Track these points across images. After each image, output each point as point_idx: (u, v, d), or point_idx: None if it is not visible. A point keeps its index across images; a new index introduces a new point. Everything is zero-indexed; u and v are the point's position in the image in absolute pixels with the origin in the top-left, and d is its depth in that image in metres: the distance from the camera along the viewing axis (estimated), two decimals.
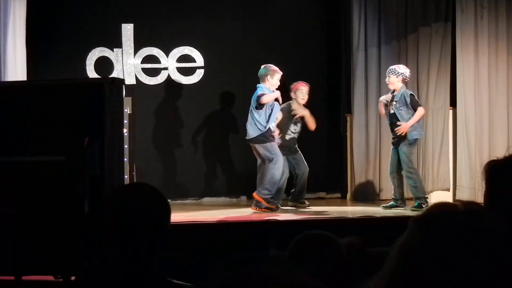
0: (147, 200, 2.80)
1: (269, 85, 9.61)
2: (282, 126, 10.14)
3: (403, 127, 9.67)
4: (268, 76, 9.62)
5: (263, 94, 9.48)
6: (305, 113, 10.17)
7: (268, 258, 3.47)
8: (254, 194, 9.58)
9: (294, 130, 10.23)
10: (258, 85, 9.69)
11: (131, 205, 2.77)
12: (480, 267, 1.40)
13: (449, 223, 1.45)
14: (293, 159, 10.19)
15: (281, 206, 9.91)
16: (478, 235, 1.42)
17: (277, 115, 9.78)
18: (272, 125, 9.66)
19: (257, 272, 1.31)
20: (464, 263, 1.40)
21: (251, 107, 9.67)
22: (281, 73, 9.72)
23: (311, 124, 10.20)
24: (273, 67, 9.71)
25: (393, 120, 9.79)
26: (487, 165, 1.88)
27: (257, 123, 9.58)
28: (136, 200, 2.79)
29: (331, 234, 3.42)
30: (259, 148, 9.64)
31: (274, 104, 9.62)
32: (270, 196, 9.53)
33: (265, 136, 9.60)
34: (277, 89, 9.69)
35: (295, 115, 10.17)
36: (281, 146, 10.07)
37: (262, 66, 9.75)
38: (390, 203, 9.89)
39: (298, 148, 10.26)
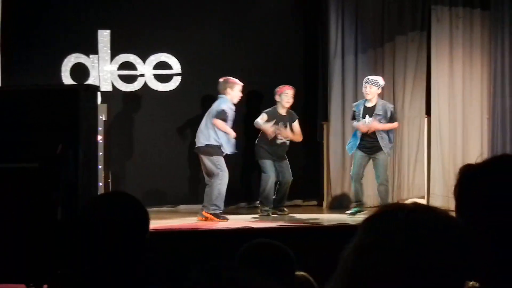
0: (126, 209, 2.79)
1: (231, 97, 9.72)
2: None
3: (374, 126, 9.77)
4: (228, 89, 9.72)
5: (225, 116, 9.60)
6: (288, 134, 10.22)
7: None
8: (204, 212, 9.58)
9: (278, 134, 10.25)
10: (220, 95, 9.79)
11: (110, 214, 2.76)
12: (426, 260, 1.43)
13: (397, 220, 1.49)
14: (279, 166, 10.24)
15: (271, 213, 10.04)
16: (422, 231, 1.46)
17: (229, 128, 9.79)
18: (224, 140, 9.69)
19: (228, 277, 1.31)
20: (412, 257, 1.44)
21: (208, 115, 9.76)
22: (241, 84, 9.83)
23: (297, 138, 10.33)
24: (232, 79, 9.83)
25: (379, 136, 9.90)
26: (462, 168, 1.89)
27: (210, 133, 9.61)
28: (115, 209, 2.78)
29: (279, 243, 3.42)
30: (205, 160, 9.67)
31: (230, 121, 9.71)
32: (219, 211, 9.55)
33: (214, 149, 9.62)
34: (238, 102, 9.91)
35: (281, 120, 10.22)
36: (268, 152, 10.11)
37: (220, 80, 9.83)
38: (355, 209, 9.97)
39: (286, 156, 10.29)
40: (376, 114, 9.91)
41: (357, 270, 1.47)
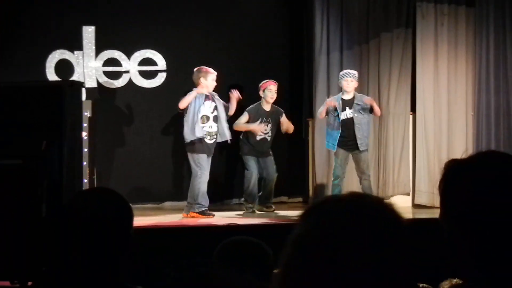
0: (110, 205, 2.78)
1: (204, 86, 9.61)
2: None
3: (378, 110, 9.85)
4: (202, 79, 9.61)
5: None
6: (254, 127, 10.18)
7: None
8: (191, 213, 9.55)
9: (264, 130, 10.22)
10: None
11: (94, 210, 2.75)
12: (361, 249, 1.44)
13: (331, 210, 1.50)
14: (263, 162, 10.21)
15: (256, 210, 10.03)
16: (357, 220, 1.47)
17: (200, 119, 9.68)
18: (204, 133, 9.61)
19: (207, 275, 1.32)
20: (346, 246, 1.44)
21: None
22: (215, 73, 9.73)
23: (289, 130, 10.39)
24: (205, 68, 9.73)
25: (349, 125, 9.89)
26: (447, 163, 1.89)
27: (187, 129, 9.58)
28: (98, 205, 2.77)
29: (258, 240, 3.42)
30: (188, 156, 9.65)
31: (200, 109, 9.59)
32: (204, 208, 9.52)
33: (193, 145, 9.59)
34: (214, 90, 9.76)
35: (265, 116, 10.19)
36: (251, 148, 10.09)
37: (194, 69, 9.76)
38: None
39: (270, 152, 10.26)
40: (356, 104, 9.95)
41: (292, 259, 1.48)
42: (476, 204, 1.77)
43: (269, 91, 10.17)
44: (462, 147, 10.83)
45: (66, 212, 2.82)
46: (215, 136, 9.73)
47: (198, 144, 9.58)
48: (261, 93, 10.25)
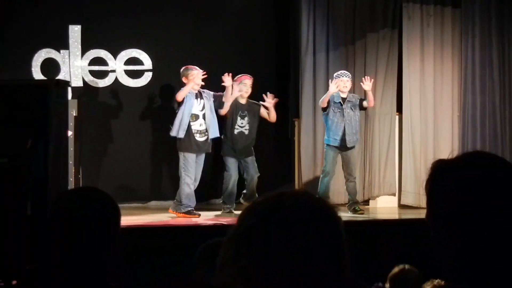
0: (97, 204, 2.78)
1: (190, 83, 9.58)
2: (228, 121, 10.10)
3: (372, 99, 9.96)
4: (189, 76, 9.61)
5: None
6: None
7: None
8: (177, 213, 9.54)
9: (241, 124, 10.14)
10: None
11: (81, 209, 2.74)
12: (289, 247, 1.50)
13: (261, 211, 1.58)
14: (244, 161, 10.11)
15: (234, 210, 9.95)
16: (277, 215, 1.53)
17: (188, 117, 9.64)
18: (187, 132, 9.58)
19: (180, 274, 1.32)
20: (270, 241, 1.51)
21: None
22: (201, 71, 9.67)
23: (272, 118, 10.24)
24: (191, 66, 9.72)
25: (347, 122, 9.89)
26: (434, 163, 1.90)
27: (175, 126, 9.57)
28: (86, 204, 2.76)
29: None
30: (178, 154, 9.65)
31: (189, 108, 9.57)
32: (191, 208, 9.49)
33: (180, 143, 9.59)
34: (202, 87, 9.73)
35: (241, 109, 10.13)
36: (230, 148, 10.04)
37: (181, 69, 9.79)
38: None
39: (253, 151, 10.18)
40: (348, 101, 9.97)
41: (224, 262, 1.54)
42: (462, 204, 1.77)
43: (244, 85, 10.07)
44: (448, 147, 10.86)
45: (53, 210, 2.81)
46: (206, 134, 9.70)
47: (186, 143, 9.57)
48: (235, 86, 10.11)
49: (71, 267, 2.71)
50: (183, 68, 9.79)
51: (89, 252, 2.72)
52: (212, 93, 9.86)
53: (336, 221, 1.59)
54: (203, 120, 9.71)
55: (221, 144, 10.30)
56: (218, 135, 9.81)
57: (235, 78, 10.12)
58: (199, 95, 9.71)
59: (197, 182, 9.76)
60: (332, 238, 1.55)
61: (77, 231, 2.72)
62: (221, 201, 10.53)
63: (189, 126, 9.59)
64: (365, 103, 10.05)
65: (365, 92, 10.15)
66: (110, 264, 2.78)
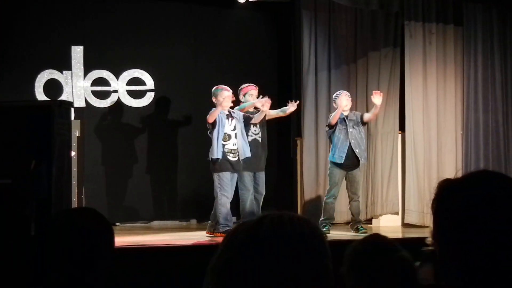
0: (90, 224, 2.78)
1: (219, 104, 9.33)
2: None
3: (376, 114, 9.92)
4: (218, 97, 9.38)
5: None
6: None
7: None
8: (216, 234, 9.36)
9: (254, 131, 9.97)
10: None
11: (73, 229, 2.75)
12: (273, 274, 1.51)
13: (237, 235, 1.59)
14: (254, 177, 9.81)
15: None
16: (254, 245, 1.55)
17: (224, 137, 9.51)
18: (223, 152, 9.45)
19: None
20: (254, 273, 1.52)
21: None
22: (230, 91, 9.45)
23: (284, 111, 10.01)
24: (221, 86, 9.51)
25: (351, 141, 9.82)
26: (441, 183, 1.89)
27: (212, 147, 9.46)
28: (78, 224, 2.77)
29: None
30: (213, 176, 9.48)
31: (222, 128, 9.48)
32: (228, 227, 9.28)
33: (214, 164, 9.45)
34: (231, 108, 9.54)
35: (250, 118, 9.91)
36: (243, 163, 9.70)
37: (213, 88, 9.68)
38: (326, 227, 9.77)
39: (263, 168, 9.91)
40: (350, 119, 9.86)
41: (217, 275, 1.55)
42: (470, 223, 1.77)
43: (250, 95, 9.87)
44: (451, 165, 10.84)
45: (47, 230, 2.83)
46: (237, 154, 9.53)
47: (221, 163, 9.37)
48: (241, 97, 9.94)
49: (64, 286, 2.72)
50: (214, 87, 9.55)
51: (81, 271, 2.73)
52: (242, 113, 9.67)
53: (320, 242, 1.59)
54: (235, 139, 9.54)
55: None
56: (250, 156, 9.58)
57: (241, 88, 10.01)
58: (229, 115, 9.57)
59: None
60: (315, 261, 1.56)
61: (68, 250, 2.73)
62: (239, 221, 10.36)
63: (222, 146, 9.46)
64: (366, 116, 9.93)
65: (366, 109, 10.10)
66: (102, 284, 2.79)
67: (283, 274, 1.50)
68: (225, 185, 9.34)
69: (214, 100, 9.44)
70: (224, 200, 9.31)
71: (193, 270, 7.52)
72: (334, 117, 9.82)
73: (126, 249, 7.77)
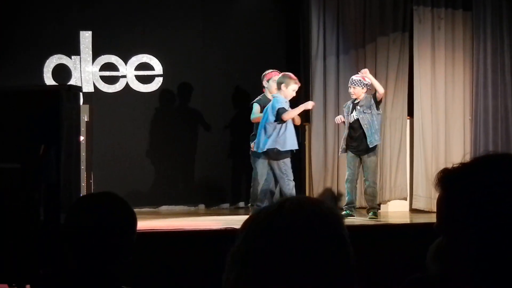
0: (114, 209, 2.79)
1: (283, 94, 9.31)
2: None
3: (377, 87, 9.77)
4: (283, 85, 9.30)
5: (284, 110, 9.23)
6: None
7: None
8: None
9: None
10: (274, 95, 9.46)
11: (98, 214, 2.75)
12: (297, 262, 1.51)
13: (258, 223, 1.58)
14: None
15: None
16: (286, 233, 1.54)
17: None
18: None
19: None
20: (278, 260, 1.51)
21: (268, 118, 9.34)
22: (299, 84, 9.45)
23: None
24: (292, 76, 9.42)
25: (355, 127, 9.80)
26: (439, 173, 1.87)
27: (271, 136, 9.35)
28: (103, 209, 2.77)
29: None
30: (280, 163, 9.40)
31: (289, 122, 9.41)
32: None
33: (281, 153, 9.38)
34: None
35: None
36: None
37: (280, 74, 9.54)
38: (346, 212, 9.74)
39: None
40: (360, 106, 9.82)
41: (229, 278, 1.55)
42: (478, 208, 1.75)
43: (274, 81, 9.69)
44: (460, 151, 10.82)
45: (69, 215, 2.82)
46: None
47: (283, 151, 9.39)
48: (264, 83, 9.93)
49: (85, 272, 2.72)
50: (281, 74, 9.51)
51: (102, 257, 2.73)
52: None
53: (338, 226, 1.59)
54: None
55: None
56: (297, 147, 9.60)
57: (265, 74, 9.93)
58: None
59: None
60: (335, 245, 1.55)
61: (93, 236, 2.73)
62: (248, 205, 10.35)
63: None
64: (377, 94, 9.86)
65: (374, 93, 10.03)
66: (124, 269, 2.79)
67: (307, 256, 1.50)
68: (290, 171, 9.33)
69: (275, 87, 9.38)
70: (292, 185, 9.30)
71: (201, 254, 7.55)
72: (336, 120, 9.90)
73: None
